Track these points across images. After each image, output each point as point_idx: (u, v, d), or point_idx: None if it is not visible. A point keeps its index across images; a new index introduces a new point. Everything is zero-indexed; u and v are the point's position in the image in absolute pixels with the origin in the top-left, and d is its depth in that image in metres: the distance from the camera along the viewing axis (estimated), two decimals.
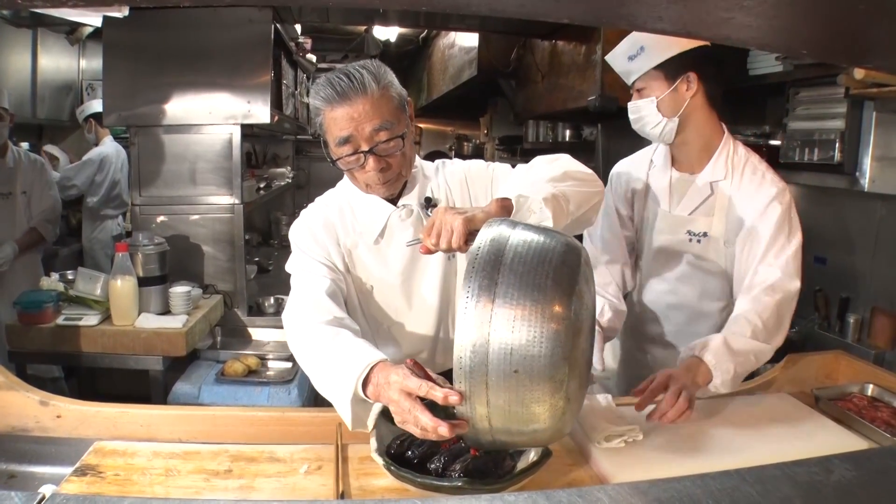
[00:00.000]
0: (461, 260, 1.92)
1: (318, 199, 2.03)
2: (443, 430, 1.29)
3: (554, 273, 1.27)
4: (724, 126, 2.30)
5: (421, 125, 8.99)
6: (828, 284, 3.63)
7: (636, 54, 2.23)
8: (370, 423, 1.55)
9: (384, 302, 1.95)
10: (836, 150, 3.14)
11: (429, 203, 1.95)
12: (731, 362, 1.89)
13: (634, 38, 2.24)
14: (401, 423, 1.40)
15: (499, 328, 1.23)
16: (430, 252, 1.54)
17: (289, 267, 1.93)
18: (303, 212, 2.01)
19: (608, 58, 2.37)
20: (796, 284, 2.14)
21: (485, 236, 1.32)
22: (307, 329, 1.68)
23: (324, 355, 1.60)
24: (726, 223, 2.23)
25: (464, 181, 2.01)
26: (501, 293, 1.25)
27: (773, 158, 3.63)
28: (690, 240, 2.27)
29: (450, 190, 2.00)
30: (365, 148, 1.77)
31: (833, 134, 3.16)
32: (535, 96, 2.99)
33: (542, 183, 1.63)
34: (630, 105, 2.30)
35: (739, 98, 4.50)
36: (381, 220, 1.91)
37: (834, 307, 3.55)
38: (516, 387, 1.23)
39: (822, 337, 3.50)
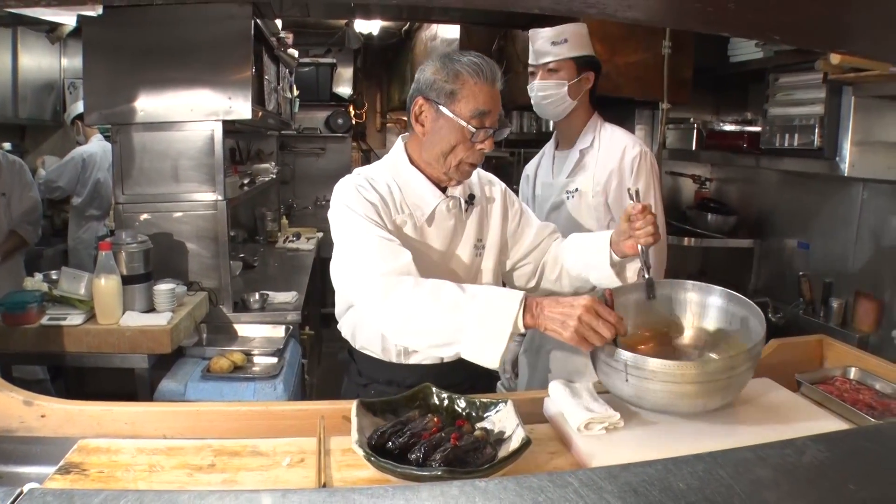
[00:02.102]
0: (485, 258, 2.21)
1: (362, 172, 2.15)
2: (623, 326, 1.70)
3: None
4: (595, 112, 2.89)
5: (405, 118, 9.00)
6: (811, 269, 3.68)
7: (560, 42, 2.77)
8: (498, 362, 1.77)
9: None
10: (816, 136, 3.17)
11: (471, 200, 2.18)
12: None
13: (563, 29, 2.78)
14: (572, 335, 1.68)
15: None
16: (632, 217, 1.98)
17: (340, 217, 2.02)
18: (351, 179, 2.10)
19: (531, 32, 2.87)
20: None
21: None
22: (403, 282, 1.84)
23: (452, 303, 1.78)
24: (593, 178, 2.77)
25: (505, 198, 2.30)
26: None
27: (755, 145, 3.67)
28: (567, 197, 2.83)
29: (492, 199, 2.27)
30: (492, 127, 2.00)
31: (812, 119, 3.19)
32: (517, 87, 3.02)
33: None
34: (539, 83, 2.81)
35: (721, 85, 4.54)
36: (431, 204, 2.09)
37: (818, 292, 3.58)
38: None
39: (807, 322, 3.54)
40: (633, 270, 2.13)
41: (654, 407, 1.66)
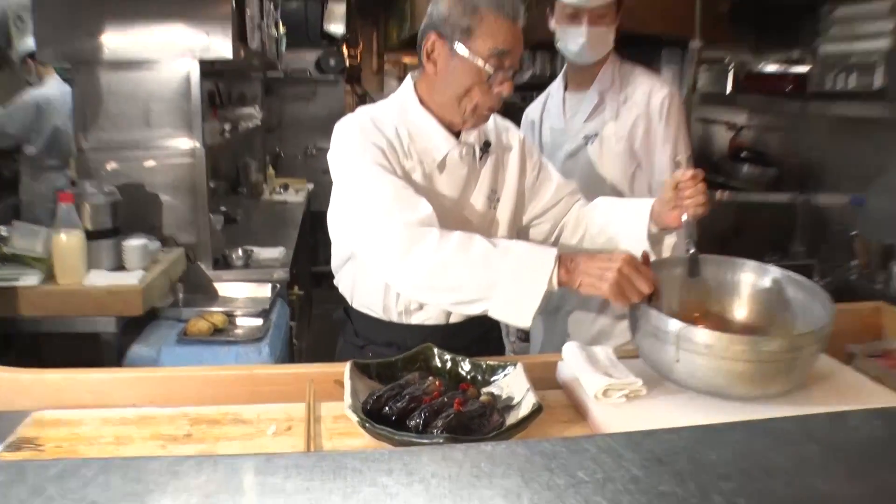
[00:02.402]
0: (500, 209, 2.20)
1: (366, 111, 2.12)
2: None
3: None
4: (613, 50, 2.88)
5: (405, 60, 8.93)
6: (867, 229, 3.62)
7: None
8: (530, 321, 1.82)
9: None
10: (879, 75, 3.10)
11: (487, 147, 2.15)
12: None
13: None
14: (611, 287, 1.71)
15: None
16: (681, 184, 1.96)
17: (345, 161, 2.03)
18: (355, 119, 2.08)
19: None
20: None
21: None
22: (429, 234, 1.84)
23: (483, 258, 1.81)
24: (616, 122, 2.79)
25: (523, 148, 2.27)
26: None
27: (801, 87, 3.62)
28: (587, 143, 2.83)
29: (509, 148, 2.24)
30: (511, 68, 1.97)
31: (874, 56, 3.12)
32: (528, 23, 2.95)
33: None
34: (592, 30, 2.72)
35: (763, 20, 4.46)
36: (442, 150, 2.06)
37: (875, 254, 3.54)
38: None
39: (862, 287, 3.49)
40: (669, 245, 2.15)
41: (705, 388, 1.63)
